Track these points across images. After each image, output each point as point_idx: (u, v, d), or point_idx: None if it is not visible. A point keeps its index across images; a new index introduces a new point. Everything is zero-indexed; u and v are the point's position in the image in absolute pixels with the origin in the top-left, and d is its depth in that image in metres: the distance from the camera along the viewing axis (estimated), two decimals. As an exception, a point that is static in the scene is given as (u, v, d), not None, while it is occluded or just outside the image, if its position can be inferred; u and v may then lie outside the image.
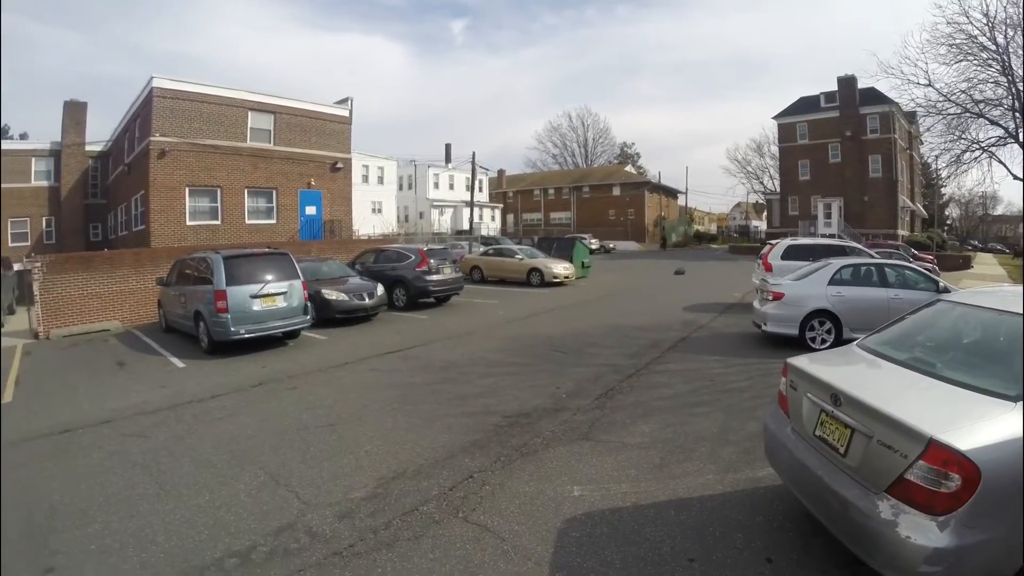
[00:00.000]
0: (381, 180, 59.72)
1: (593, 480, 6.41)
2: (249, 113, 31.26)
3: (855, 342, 5.71)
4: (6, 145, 43.53)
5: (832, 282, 13.20)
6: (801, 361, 5.29)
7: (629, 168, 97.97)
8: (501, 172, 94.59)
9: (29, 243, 38.62)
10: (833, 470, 4.30)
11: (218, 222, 29.97)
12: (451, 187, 70.10)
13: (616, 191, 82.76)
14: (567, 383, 10.56)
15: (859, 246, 22.01)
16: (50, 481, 7.10)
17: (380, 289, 18.70)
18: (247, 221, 31.01)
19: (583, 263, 31.87)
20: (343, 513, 5.88)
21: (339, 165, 34.84)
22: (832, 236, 46.26)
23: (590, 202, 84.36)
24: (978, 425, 3.59)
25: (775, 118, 66.92)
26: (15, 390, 12.02)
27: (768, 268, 18.71)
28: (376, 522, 5.65)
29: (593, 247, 51.07)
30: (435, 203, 66.32)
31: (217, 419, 9.32)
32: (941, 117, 39.59)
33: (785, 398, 5.28)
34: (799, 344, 12.67)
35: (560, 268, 28.17)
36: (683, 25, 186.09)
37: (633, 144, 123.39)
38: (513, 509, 5.80)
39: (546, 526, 5.44)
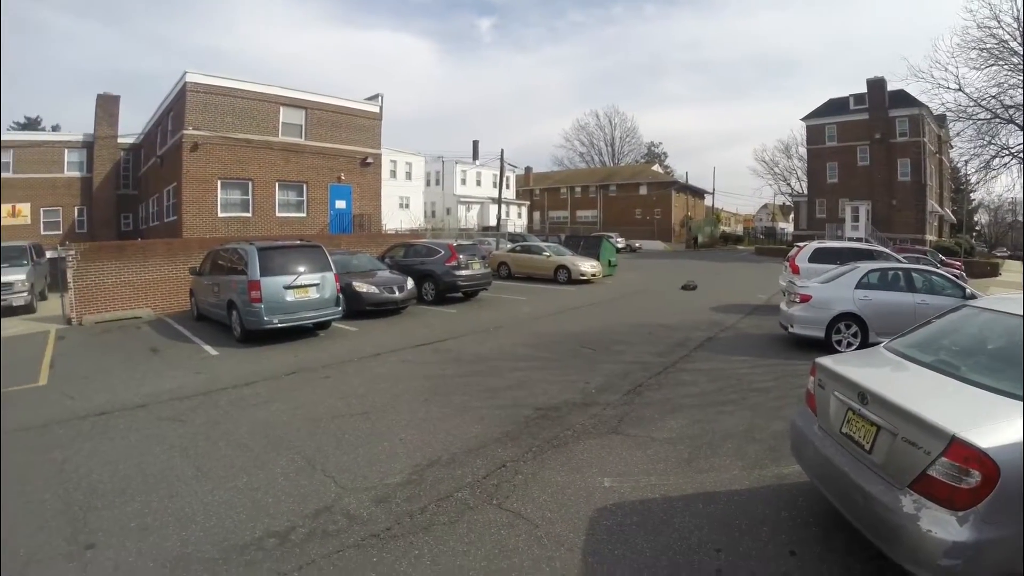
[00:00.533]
0: (409, 176, 59.84)
1: (623, 472, 6.50)
2: (281, 108, 31.52)
3: (882, 344, 5.80)
4: (39, 136, 44.63)
5: (859, 286, 13.18)
6: (830, 361, 5.39)
7: (656, 167, 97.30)
8: (528, 170, 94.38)
9: (61, 232, 39.00)
10: (858, 466, 4.42)
11: (249, 214, 30.27)
12: (478, 183, 69.92)
13: (643, 190, 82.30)
14: (596, 378, 10.63)
15: (887, 250, 21.83)
16: (88, 461, 7.27)
17: (410, 283, 18.81)
18: (278, 214, 31.28)
19: (610, 261, 31.81)
20: (380, 498, 6.00)
21: (369, 160, 35.03)
22: (860, 240, 45.90)
23: (617, 201, 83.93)
24: (999, 425, 3.69)
25: (803, 119, 66.16)
26: (49, 373, 12.26)
27: (795, 270, 18.69)
28: (412, 507, 5.78)
29: (619, 246, 50.89)
30: (462, 199, 66.19)
31: (252, 405, 9.46)
32: (971, 122, 39.01)
33: (813, 396, 5.38)
34: (825, 347, 12.57)
35: (587, 266, 28.18)
36: (711, 24, 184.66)
37: (660, 143, 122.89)
38: (545, 498, 5.91)
39: (578, 515, 5.55)
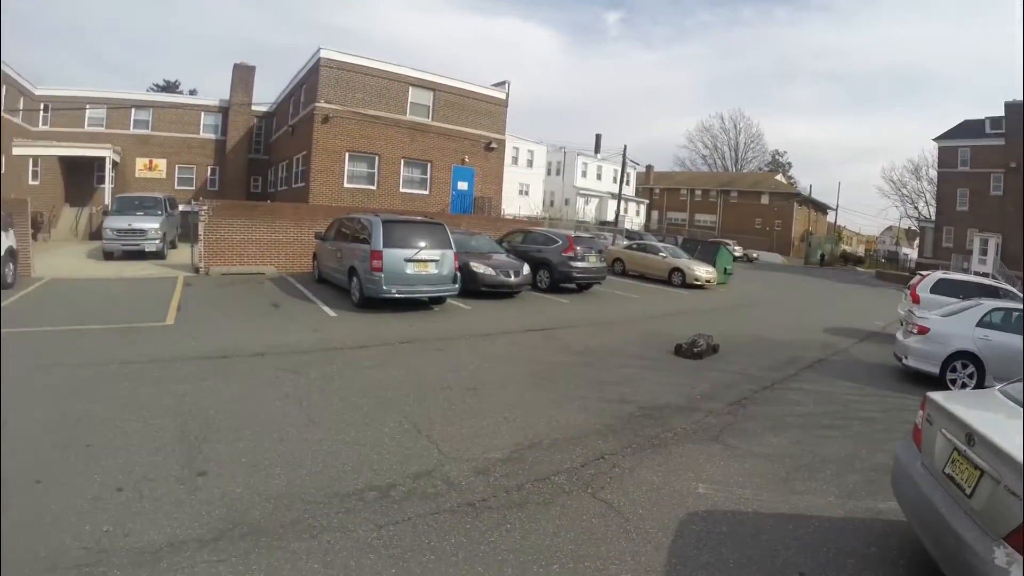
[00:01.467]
0: (530, 163, 60.00)
1: (718, 481, 6.41)
2: (410, 88, 32.41)
3: (997, 387, 5.60)
4: (179, 99, 48.16)
5: (981, 324, 12.49)
6: (941, 396, 5.18)
7: (779, 177, 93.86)
8: (649, 168, 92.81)
9: (194, 188, 41.76)
10: (956, 509, 4.22)
11: (374, 187, 31.25)
12: (598, 177, 69.17)
13: (764, 199, 79.82)
14: (701, 385, 10.43)
15: (1014, 290, 20.75)
16: (207, 397, 7.79)
17: (526, 268, 18.94)
18: (401, 189, 32.13)
19: (725, 269, 30.87)
20: (479, 469, 6.18)
21: (493, 145, 35.54)
22: (986, 275, 43.73)
23: (737, 208, 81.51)
24: None
25: (936, 140, 61.50)
26: (176, 314, 13.20)
27: (916, 299, 17.98)
28: (510, 483, 5.93)
29: (736, 254, 49.57)
30: (581, 191, 65.74)
31: (365, 367, 9.80)
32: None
33: (920, 431, 5.21)
34: (938, 384, 11.72)
35: (702, 271, 27.47)
36: (844, 32, 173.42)
37: (785, 153, 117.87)
38: (639, 494, 5.91)
39: (668, 515, 5.52)
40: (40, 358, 9.39)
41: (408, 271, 14.73)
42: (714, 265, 29.03)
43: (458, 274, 15.77)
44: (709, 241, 38.77)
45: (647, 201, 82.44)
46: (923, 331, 12.67)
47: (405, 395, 8.47)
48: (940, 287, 18.30)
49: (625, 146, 48.26)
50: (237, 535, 4.70)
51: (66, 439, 6.30)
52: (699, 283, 26.98)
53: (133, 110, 40.99)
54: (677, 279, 27.34)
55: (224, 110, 42.99)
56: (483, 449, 6.74)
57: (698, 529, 5.36)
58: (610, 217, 56.27)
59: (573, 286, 21.53)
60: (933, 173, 70.57)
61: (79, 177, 38.12)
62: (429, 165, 33.15)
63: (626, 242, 34.70)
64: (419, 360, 10.62)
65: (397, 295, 14.55)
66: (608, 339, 13.92)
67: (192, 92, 59.29)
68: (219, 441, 6.43)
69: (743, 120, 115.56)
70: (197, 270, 20.25)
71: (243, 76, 42.60)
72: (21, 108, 35.81)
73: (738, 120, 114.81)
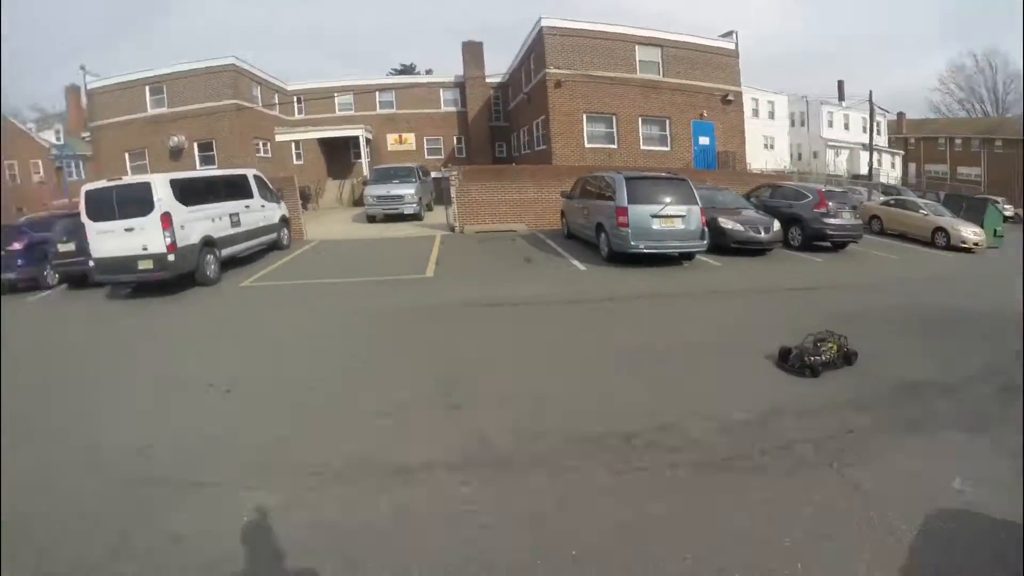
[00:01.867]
0: (772, 115, 57.16)
1: (979, 477, 5.40)
2: (636, 47, 32.28)
3: None
4: (418, 79, 52.75)
5: None
6: None
7: None
8: (901, 115, 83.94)
9: (442, 156, 45.79)
10: None
11: (614, 146, 31.56)
12: (846, 127, 64.08)
13: (1036, 149, 71.97)
14: (974, 363, 8.81)
15: None
16: (463, 340, 8.80)
17: (776, 225, 18.21)
18: (641, 147, 32.16)
19: (995, 231, 27.05)
20: (723, 428, 6.10)
21: (730, 97, 34.50)
22: None
23: (1003, 159, 70.27)
24: None
25: None
26: (435, 268, 14.67)
27: None
28: (752, 447, 5.76)
29: (1008, 214, 44.07)
30: (830, 143, 61.43)
31: (615, 319, 10.21)
32: None
33: None
34: None
35: (969, 232, 24.27)
36: None
37: None
38: (888, 478, 5.27)
39: (916, 507, 4.78)
40: (319, 305, 11.03)
41: (654, 227, 14.80)
42: (982, 226, 26.13)
43: (705, 230, 15.50)
44: (976, 198, 34.75)
45: (902, 152, 76.19)
46: None
47: (651, 348, 8.64)
48: None
49: (871, 91, 44.89)
50: (482, 463, 5.28)
51: (341, 372, 7.36)
52: (966, 245, 23.94)
53: (377, 93, 45.83)
54: (941, 240, 24.57)
55: (460, 85, 46.42)
56: (728, 409, 6.59)
57: (948, 528, 4.63)
58: (863, 170, 53.00)
59: (827, 244, 20.21)
60: None
61: (337, 154, 43.86)
62: (667, 121, 32.91)
63: (883, 198, 32.46)
64: (668, 314, 10.75)
65: (645, 250, 14.71)
66: (866, 305, 12.61)
67: (428, 72, 62.77)
68: (472, 379, 7.12)
69: (999, 57, 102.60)
70: (452, 229, 22.03)
71: (473, 52, 45.55)
72: (276, 103, 41.42)
73: (993, 58, 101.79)
